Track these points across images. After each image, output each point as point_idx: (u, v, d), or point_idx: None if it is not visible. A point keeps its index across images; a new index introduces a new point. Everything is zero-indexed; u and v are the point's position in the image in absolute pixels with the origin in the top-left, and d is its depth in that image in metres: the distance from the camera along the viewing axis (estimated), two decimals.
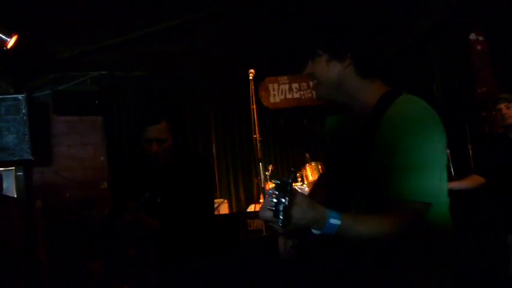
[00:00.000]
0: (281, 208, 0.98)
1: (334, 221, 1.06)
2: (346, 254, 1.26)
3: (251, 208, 5.11)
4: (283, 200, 0.98)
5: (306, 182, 5.18)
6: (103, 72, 5.53)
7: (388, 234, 1.13)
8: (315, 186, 1.60)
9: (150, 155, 2.13)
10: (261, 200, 4.50)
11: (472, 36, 4.40)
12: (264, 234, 3.16)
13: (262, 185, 4.22)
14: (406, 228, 1.13)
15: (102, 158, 5.55)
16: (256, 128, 4.20)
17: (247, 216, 3.23)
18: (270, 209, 1.00)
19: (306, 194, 1.07)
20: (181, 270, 2.11)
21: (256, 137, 4.13)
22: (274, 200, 0.99)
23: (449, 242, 1.26)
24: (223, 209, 5.21)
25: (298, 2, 4.11)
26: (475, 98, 4.43)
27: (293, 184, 1.01)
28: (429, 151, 1.14)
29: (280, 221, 0.98)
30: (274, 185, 1.02)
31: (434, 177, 1.15)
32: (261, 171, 4.13)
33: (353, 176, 1.25)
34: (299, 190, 1.05)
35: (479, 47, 4.39)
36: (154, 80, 5.78)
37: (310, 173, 5.19)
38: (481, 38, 4.39)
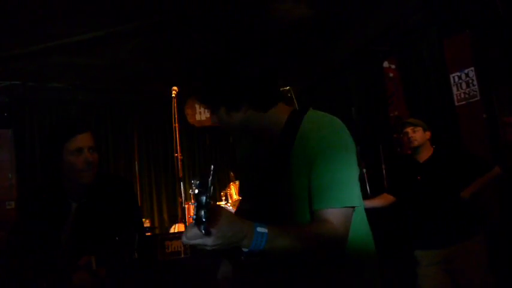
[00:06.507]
0: (202, 213, 0.88)
1: (261, 229, 1.02)
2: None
3: (173, 228, 4.97)
4: (204, 198, 0.88)
5: (230, 201, 5.15)
6: (15, 82, 5.12)
7: (322, 242, 1.13)
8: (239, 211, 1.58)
9: (80, 169, 1.80)
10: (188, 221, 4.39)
11: (385, 64, 4.73)
12: (183, 256, 3.07)
13: (184, 205, 4.13)
14: (339, 233, 1.15)
15: (10, 175, 5.10)
16: (178, 146, 4.12)
17: (165, 238, 3.10)
18: (192, 217, 0.91)
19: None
20: None
21: (177, 156, 4.04)
22: (195, 205, 0.89)
23: (372, 244, 1.32)
24: None
25: (223, 24, 4.16)
26: (388, 121, 4.74)
27: (213, 182, 0.91)
28: (346, 159, 1.19)
29: (203, 227, 0.88)
30: (194, 187, 0.91)
31: (354, 182, 1.20)
32: (182, 190, 4.04)
33: (271, 197, 1.25)
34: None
35: (391, 74, 4.73)
36: (73, 93, 5.48)
37: (235, 191, 5.17)
38: (393, 66, 4.73)
